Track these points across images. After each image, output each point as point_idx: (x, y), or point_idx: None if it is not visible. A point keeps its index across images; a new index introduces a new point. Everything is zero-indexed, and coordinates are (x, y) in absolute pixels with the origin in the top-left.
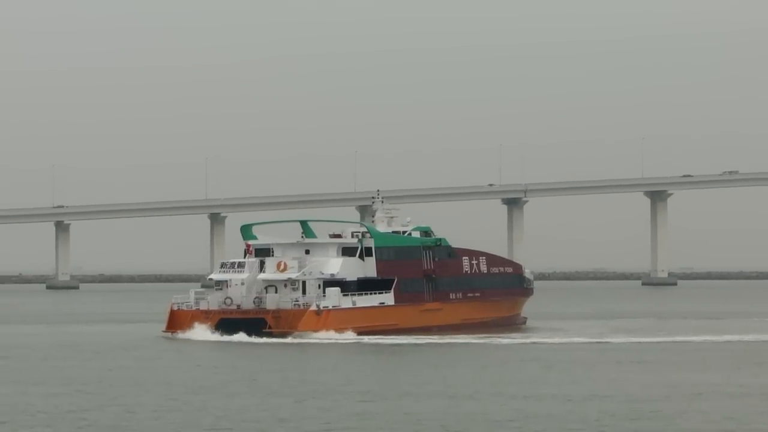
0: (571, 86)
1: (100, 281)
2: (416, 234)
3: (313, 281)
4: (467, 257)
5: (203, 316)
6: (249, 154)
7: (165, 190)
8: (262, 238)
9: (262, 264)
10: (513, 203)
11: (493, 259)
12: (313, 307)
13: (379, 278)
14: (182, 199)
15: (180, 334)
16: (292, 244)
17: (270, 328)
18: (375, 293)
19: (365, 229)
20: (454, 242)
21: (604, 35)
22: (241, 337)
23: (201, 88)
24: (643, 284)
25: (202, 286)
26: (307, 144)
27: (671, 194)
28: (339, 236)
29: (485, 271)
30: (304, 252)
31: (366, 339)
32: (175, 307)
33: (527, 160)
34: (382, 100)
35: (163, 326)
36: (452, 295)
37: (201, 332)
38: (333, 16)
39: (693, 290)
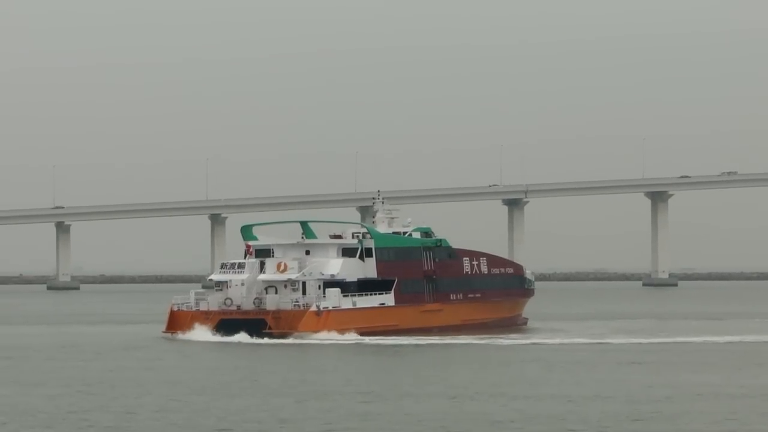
0: (572, 86)
1: (101, 282)
2: (417, 235)
3: (314, 282)
4: (468, 258)
5: (203, 316)
6: (250, 154)
7: (165, 190)
8: (262, 239)
9: (262, 265)
10: (514, 204)
11: (493, 260)
12: (313, 308)
13: (380, 279)
14: (183, 200)
15: (180, 335)
16: (293, 245)
17: (270, 328)
18: (375, 294)
19: (365, 230)
20: (455, 243)
21: (604, 34)
22: (242, 337)
23: (201, 88)
24: (643, 285)
25: (203, 287)
26: (309, 144)
27: (672, 195)
28: (339, 237)
29: (486, 272)
30: (304, 253)
31: (367, 340)
32: (175, 308)
33: (528, 161)
34: (382, 100)
35: (163, 327)
36: (453, 296)
37: (201, 333)
38: (334, 14)
39: (694, 291)
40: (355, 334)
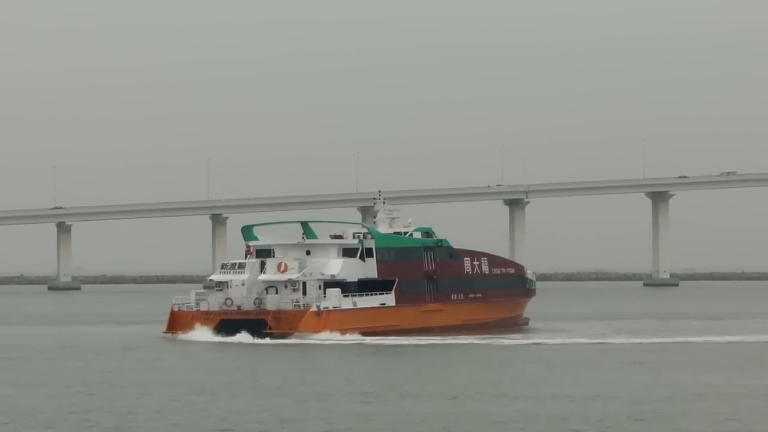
0: (573, 86)
1: (102, 282)
2: (417, 235)
3: (314, 282)
4: (469, 258)
5: (203, 317)
6: (251, 154)
7: (166, 190)
8: (262, 239)
9: (262, 265)
10: (515, 204)
11: (494, 260)
12: (314, 308)
13: (380, 279)
14: (184, 200)
15: (180, 335)
16: (293, 245)
17: (270, 329)
18: (376, 294)
19: (366, 230)
20: (456, 243)
21: (605, 35)
22: (244, 337)
23: (202, 89)
24: (644, 285)
25: (204, 287)
26: (309, 144)
27: (673, 195)
28: (340, 237)
29: (487, 272)
30: (305, 253)
31: (368, 340)
32: (176, 308)
33: (529, 161)
34: (383, 101)
35: (164, 327)
36: (453, 296)
37: (201, 333)
38: (335, 15)
39: (695, 291)
40: (359, 335)
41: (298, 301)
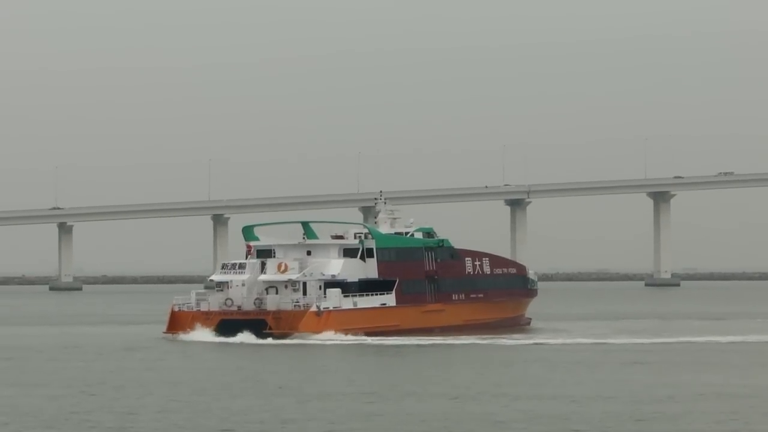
0: (574, 87)
1: (103, 282)
2: (419, 235)
3: (314, 282)
4: (470, 258)
5: (204, 317)
6: (252, 155)
7: (168, 191)
8: (263, 239)
9: (263, 265)
10: (516, 204)
11: (496, 260)
12: (314, 308)
13: (381, 279)
14: (185, 201)
15: (181, 336)
16: (294, 245)
17: (270, 329)
18: (376, 294)
19: (367, 230)
20: (457, 243)
21: (606, 35)
22: (246, 337)
23: (204, 89)
24: (646, 285)
25: (205, 288)
26: (311, 145)
27: (674, 195)
28: (341, 237)
29: (488, 272)
30: (305, 253)
31: (369, 340)
32: (176, 308)
33: (530, 161)
34: (385, 101)
35: (164, 327)
36: (455, 296)
37: (202, 333)
38: (335, 16)
39: (696, 291)
40: (363, 335)
41: (298, 302)
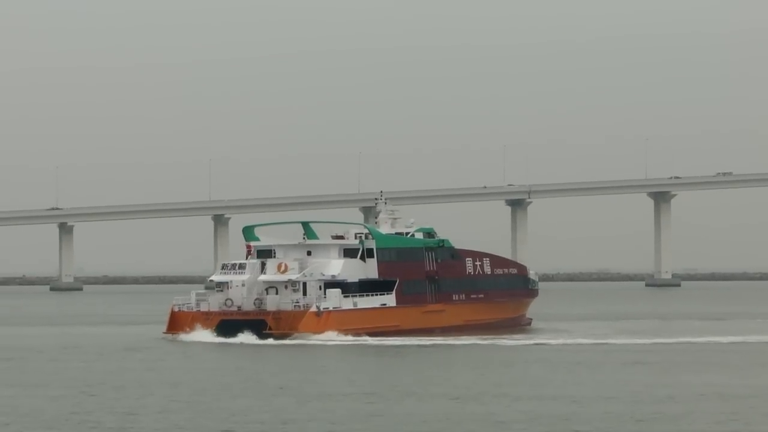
0: (574, 86)
1: (104, 283)
2: (419, 235)
3: (314, 282)
4: (471, 258)
5: (203, 317)
6: (252, 154)
7: (168, 191)
8: (264, 240)
9: (263, 265)
10: (517, 204)
11: (497, 261)
12: (314, 309)
13: (381, 279)
14: (186, 201)
15: (181, 336)
16: (294, 246)
17: (270, 329)
18: (376, 294)
19: (367, 231)
20: (458, 243)
21: (606, 35)
22: (247, 338)
23: (204, 89)
24: (646, 285)
25: (205, 288)
26: (311, 145)
27: (675, 195)
28: (341, 237)
29: (489, 273)
30: (305, 253)
31: (370, 340)
32: (176, 309)
33: (531, 161)
34: (385, 100)
35: (164, 328)
36: (455, 297)
37: (201, 334)
38: (336, 15)
39: (696, 291)
40: (366, 335)
41: (298, 302)
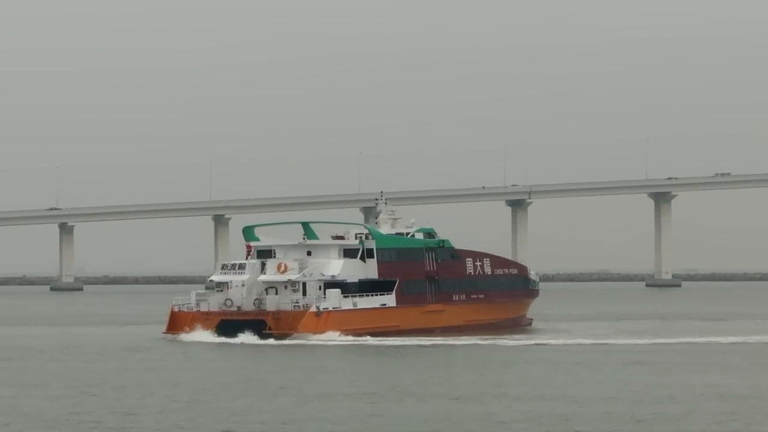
0: (575, 87)
1: (104, 283)
2: (419, 235)
3: (314, 283)
4: (471, 259)
5: (203, 317)
6: (253, 155)
7: (169, 191)
8: (264, 240)
9: (263, 265)
10: (517, 205)
11: (497, 261)
12: (313, 309)
13: (381, 280)
14: (186, 201)
15: (181, 336)
16: (294, 246)
17: (270, 329)
18: (376, 295)
19: (367, 231)
20: (459, 244)
21: (607, 36)
22: (248, 338)
23: (205, 89)
24: (647, 285)
25: (206, 288)
26: (311, 145)
27: (675, 196)
28: (341, 238)
29: (489, 273)
30: (305, 253)
31: (370, 340)
32: (176, 309)
33: (531, 162)
34: (386, 101)
35: (164, 328)
36: (455, 297)
37: (202, 334)
38: (336, 17)
39: (697, 292)
40: (367, 336)
41: (297, 302)
